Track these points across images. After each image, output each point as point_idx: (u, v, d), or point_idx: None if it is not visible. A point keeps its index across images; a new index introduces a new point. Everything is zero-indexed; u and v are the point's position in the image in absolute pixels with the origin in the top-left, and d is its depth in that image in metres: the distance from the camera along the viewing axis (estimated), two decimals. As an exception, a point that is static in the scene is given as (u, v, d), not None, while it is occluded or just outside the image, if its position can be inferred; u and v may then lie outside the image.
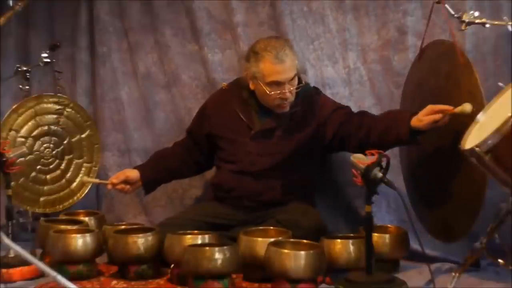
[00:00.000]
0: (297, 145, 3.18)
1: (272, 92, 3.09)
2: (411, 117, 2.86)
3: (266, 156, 3.19)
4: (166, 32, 3.72)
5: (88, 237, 2.93)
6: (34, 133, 3.59)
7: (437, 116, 2.76)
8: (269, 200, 3.20)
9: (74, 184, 3.69)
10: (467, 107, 2.64)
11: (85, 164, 3.70)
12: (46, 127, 3.61)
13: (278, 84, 3.09)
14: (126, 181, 3.30)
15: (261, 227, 3.00)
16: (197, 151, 3.39)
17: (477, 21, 2.77)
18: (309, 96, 3.21)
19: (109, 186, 3.32)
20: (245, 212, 3.21)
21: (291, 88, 3.10)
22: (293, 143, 3.18)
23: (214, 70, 3.62)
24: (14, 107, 3.54)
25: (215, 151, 3.35)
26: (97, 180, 3.56)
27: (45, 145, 3.63)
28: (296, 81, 3.13)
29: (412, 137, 2.88)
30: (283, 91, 3.09)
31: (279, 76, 3.08)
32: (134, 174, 3.32)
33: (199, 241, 2.85)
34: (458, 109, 2.67)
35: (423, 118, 2.80)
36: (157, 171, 3.37)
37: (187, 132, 3.45)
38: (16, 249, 1.93)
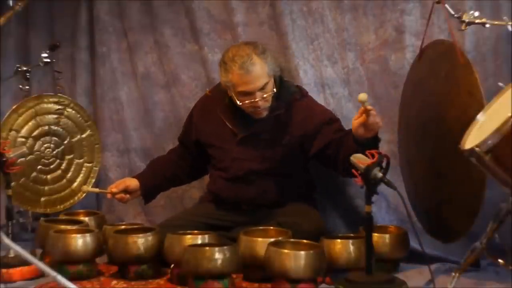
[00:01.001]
0: (284, 148, 3.15)
1: (245, 101, 3.05)
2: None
3: (254, 161, 3.16)
4: (166, 32, 3.72)
5: (88, 237, 2.93)
6: (35, 133, 3.59)
7: (362, 119, 2.78)
8: (266, 202, 3.19)
9: (75, 184, 3.70)
10: (360, 97, 2.67)
11: (85, 164, 3.71)
12: (46, 127, 3.62)
13: (247, 94, 3.04)
14: (125, 190, 3.27)
15: (261, 227, 3.00)
16: (191, 157, 3.38)
17: (477, 21, 2.77)
18: (292, 97, 3.16)
19: (109, 196, 3.29)
20: (245, 215, 3.20)
21: (264, 96, 3.04)
22: (280, 146, 3.15)
23: (214, 70, 3.61)
24: (14, 107, 3.55)
25: (207, 157, 3.34)
26: (97, 190, 3.51)
27: (45, 145, 3.63)
28: (270, 87, 3.06)
29: (363, 147, 2.77)
30: (254, 100, 3.04)
31: (247, 86, 3.03)
32: (134, 183, 3.29)
33: (199, 241, 2.85)
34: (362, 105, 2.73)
35: (352, 122, 2.84)
36: (155, 179, 3.36)
37: (178, 140, 3.45)
38: (16, 249, 1.93)
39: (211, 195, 3.32)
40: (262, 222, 3.08)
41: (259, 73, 3.03)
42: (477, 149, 2.31)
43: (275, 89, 3.08)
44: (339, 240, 2.86)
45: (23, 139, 3.55)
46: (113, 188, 3.27)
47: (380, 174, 2.51)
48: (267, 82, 3.05)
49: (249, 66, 3.01)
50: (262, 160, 3.16)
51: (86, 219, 3.28)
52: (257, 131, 3.15)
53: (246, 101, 3.05)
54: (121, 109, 3.82)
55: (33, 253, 3.05)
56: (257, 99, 3.04)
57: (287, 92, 3.15)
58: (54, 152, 3.65)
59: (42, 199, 3.62)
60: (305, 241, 2.80)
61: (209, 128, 3.26)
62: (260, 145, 3.16)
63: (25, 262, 2.82)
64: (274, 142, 3.15)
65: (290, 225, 2.98)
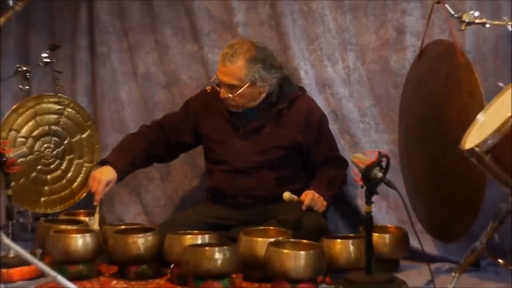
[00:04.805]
0: (285, 142, 3.21)
1: (220, 89, 3.17)
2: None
3: (256, 154, 3.21)
4: (166, 32, 3.72)
5: (88, 237, 2.93)
6: (35, 133, 3.59)
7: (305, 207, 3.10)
8: (263, 195, 3.22)
9: (75, 184, 3.70)
10: (284, 196, 3.06)
11: (85, 164, 3.71)
12: (46, 127, 3.62)
13: (220, 82, 3.17)
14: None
15: (261, 227, 3.00)
16: (163, 145, 3.35)
17: (477, 21, 2.77)
18: (295, 93, 3.25)
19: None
20: (244, 211, 3.22)
21: (229, 94, 3.12)
22: (280, 140, 3.20)
23: (214, 70, 3.58)
24: (14, 107, 3.55)
25: (187, 147, 3.39)
26: (97, 216, 3.21)
27: (45, 145, 3.63)
28: (237, 91, 3.12)
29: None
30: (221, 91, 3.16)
31: (219, 75, 3.16)
32: (113, 176, 3.20)
33: (199, 241, 2.86)
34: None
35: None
36: (126, 165, 3.28)
37: (158, 124, 3.38)
38: (16, 249, 1.93)
39: (209, 191, 3.35)
40: (262, 219, 3.12)
41: (232, 71, 3.12)
42: (477, 149, 2.31)
43: (237, 96, 3.13)
44: (339, 240, 2.86)
45: (23, 139, 3.55)
46: (100, 196, 3.17)
47: (380, 174, 2.51)
48: (237, 85, 3.11)
49: (228, 59, 3.12)
50: (263, 153, 3.21)
51: (86, 219, 3.28)
52: (259, 125, 3.21)
53: (221, 89, 3.17)
54: (121, 109, 3.82)
55: (33, 253, 3.05)
56: (222, 90, 3.14)
57: (289, 88, 3.24)
58: (54, 152, 3.65)
59: (42, 199, 3.62)
60: (305, 241, 2.81)
61: (210, 122, 3.29)
62: (262, 138, 3.21)
63: (25, 262, 2.82)
64: (275, 136, 3.21)
65: (290, 223, 3.00)
